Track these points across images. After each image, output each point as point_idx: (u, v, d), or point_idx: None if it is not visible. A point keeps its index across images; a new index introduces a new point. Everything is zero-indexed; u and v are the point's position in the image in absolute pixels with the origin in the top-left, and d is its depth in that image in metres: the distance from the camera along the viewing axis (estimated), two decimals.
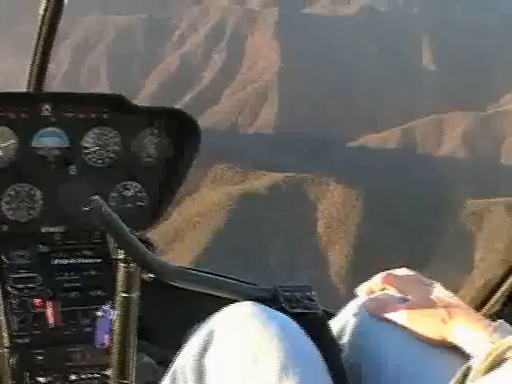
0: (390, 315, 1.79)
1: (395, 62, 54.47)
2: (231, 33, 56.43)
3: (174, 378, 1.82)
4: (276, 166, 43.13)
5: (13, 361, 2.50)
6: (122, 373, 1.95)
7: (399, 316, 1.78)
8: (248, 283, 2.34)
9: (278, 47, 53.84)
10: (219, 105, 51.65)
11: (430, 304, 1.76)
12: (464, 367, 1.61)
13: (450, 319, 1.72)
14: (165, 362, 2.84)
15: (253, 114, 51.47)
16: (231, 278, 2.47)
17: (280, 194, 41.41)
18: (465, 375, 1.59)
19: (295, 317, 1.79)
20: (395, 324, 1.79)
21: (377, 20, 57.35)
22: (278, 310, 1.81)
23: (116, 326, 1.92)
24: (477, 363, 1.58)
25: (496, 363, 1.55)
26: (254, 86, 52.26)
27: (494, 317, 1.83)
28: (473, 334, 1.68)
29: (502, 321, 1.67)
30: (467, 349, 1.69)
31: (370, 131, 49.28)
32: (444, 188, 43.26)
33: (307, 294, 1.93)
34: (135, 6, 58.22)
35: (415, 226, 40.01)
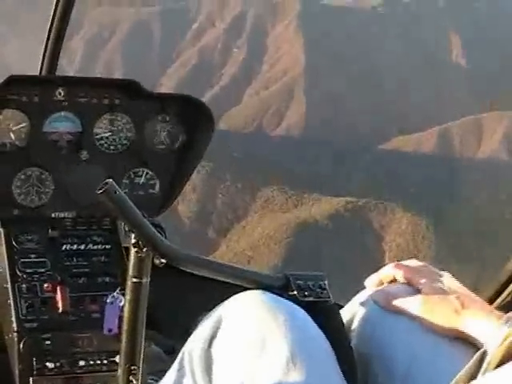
0: (400, 306, 1.77)
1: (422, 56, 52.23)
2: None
3: (181, 366, 1.81)
4: (313, 175, 39.60)
5: (21, 345, 2.49)
6: (131, 359, 1.94)
7: (410, 307, 1.75)
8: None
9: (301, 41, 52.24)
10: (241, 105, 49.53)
11: (442, 294, 1.74)
12: (479, 352, 1.58)
13: (462, 310, 1.70)
14: (173, 352, 2.83)
15: (278, 115, 50.01)
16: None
17: (342, 223, 36.55)
18: (480, 360, 1.57)
19: (306, 305, 1.77)
20: (405, 315, 1.76)
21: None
22: (289, 298, 1.79)
23: (126, 312, 1.91)
24: (492, 348, 1.55)
25: None
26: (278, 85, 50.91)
27: (505, 309, 1.79)
28: (486, 324, 1.66)
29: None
30: (480, 339, 1.66)
31: (401, 133, 45.49)
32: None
33: (319, 283, 1.92)
34: None
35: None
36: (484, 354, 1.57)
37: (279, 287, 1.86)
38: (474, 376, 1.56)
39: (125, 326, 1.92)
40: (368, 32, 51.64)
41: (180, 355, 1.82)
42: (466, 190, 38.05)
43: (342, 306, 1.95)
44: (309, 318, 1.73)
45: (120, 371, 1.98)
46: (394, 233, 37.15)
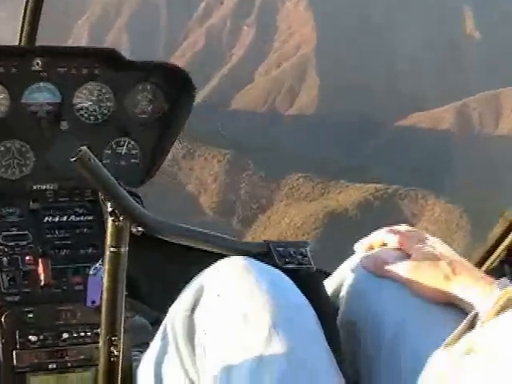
0: (389, 271, 1.75)
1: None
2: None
3: (164, 335, 1.80)
4: (325, 158, 37.89)
5: (3, 319, 2.47)
6: (112, 329, 1.93)
7: (400, 272, 1.74)
8: None
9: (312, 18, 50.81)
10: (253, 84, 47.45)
11: (433, 260, 1.72)
12: (471, 314, 1.58)
13: (453, 276, 1.68)
14: (158, 323, 2.82)
15: (291, 94, 48.02)
16: None
17: (371, 212, 34.43)
18: (472, 322, 1.56)
19: (288, 272, 1.75)
20: (395, 280, 1.74)
21: None
22: (270, 265, 1.77)
23: (105, 282, 1.90)
24: (485, 309, 1.55)
25: (506, 307, 1.53)
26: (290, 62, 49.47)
27: (493, 274, 1.77)
28: (476, 290, 1.64)
29: (504, 278, 1.63)
30: (470, 305, 1.64)
31: (418, 110, 44.01)
32: None
33: (300, 249, 1.90)
34: None
35: None
36: (476, 315, 1.57)
37: (260, 254, 1.85)
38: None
39: (104, 297, 1.92)
40: (379, 8, 50.48)
41: (163, 324, 1.82)
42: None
43: (328, 273, 1.93)
44: (293, 285, 1.71)
45: (101, 342, 1.98)
46: (426, 221, 35.83)
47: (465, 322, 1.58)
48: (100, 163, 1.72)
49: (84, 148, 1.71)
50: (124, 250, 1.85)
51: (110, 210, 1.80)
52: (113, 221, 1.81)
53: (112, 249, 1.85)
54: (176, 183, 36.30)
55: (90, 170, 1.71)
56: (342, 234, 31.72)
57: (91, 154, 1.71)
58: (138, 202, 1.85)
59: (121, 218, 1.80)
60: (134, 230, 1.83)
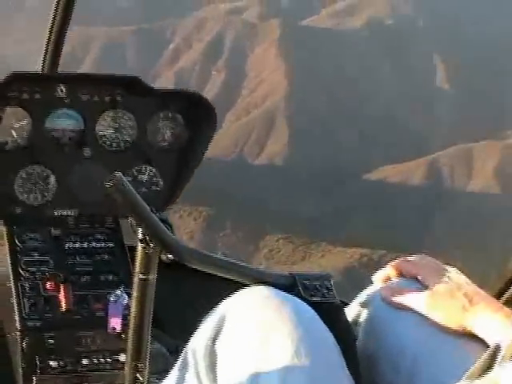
0: (407, 302, 1.75)
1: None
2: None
3: (185, 364, 1.79)
4: (296, 213, 35.97)
5: (24, 344, 2.48)
6: (137, 356, 1.93)
7: (417, 303, 1.74)
8: None
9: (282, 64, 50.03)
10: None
11: (450, 291, 1.72)
12: (492, 347, 1.57)
13: (470, 307, 1.68)
14: (176, 351, 2.82)
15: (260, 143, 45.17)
16: None
17: (358, 280, 31.78)
18: (493, 355, 1.55)
19: (312, 305, 1.75)
20: (412, 311, 1.75)
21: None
22: (295, 296, 1.77)
23: (132, 308, 1.89)
24: (506, 343, 1.54)
25: None
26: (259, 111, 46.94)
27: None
28: (495, 322, 1.64)
29: None
30: (489, 337, 1.65)
31: (389, 163, 42.25)
32: None
33: (325, 283, 1.90)
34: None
35: None
36: (497, 348, 1.56)
37: (285, 286, 1.84)
38: (488, 369, 1.54)
39: (131, 323, 1.91)
40: (352, 55, 49.77)
41: (184, 353, 1.80)
42: None
43: (346, 304, 1.94)
44: (315, 315, 1.71)
45: (126, 369, 1.97)
46: None
47: (486, 354, 1.57)
48: (133, 189, 1.73)
49: (119, 173, 1.71)
50: (153, 277, 1.85)
51: (140, 236, 1.79)
52: (143, 248, 1.81)
53: (141, 276, 1.84)
54: None
55: (124, 195, 1.71)
56: None
57: (125, 179, 1.71)
58: (168, 228, 1.84)
59: (151, 245, 1.80)
60: (163, 257, 1.83)
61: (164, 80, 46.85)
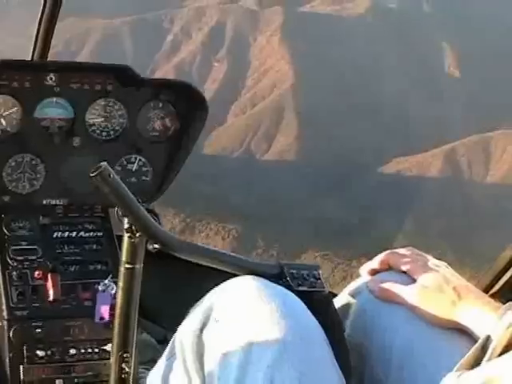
0: (395, 296, 1.75)
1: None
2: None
3: (172, 353, 1.79)
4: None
5: (11, 333, 2.47)
6: (123, 346, 1.93)
7: (405, 297, 1.74)
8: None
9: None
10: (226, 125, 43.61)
11: (438, 285, 1.72)
12: (482, 339, 1.57)
13: (459, 301, 1.69)
14: (164, 341, 2.82)
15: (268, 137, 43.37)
16: None
17: None
18: (483, 347, 1.56)
19: (300, 295, 1.74)
20: (400, 305, 1.75)
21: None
22: (283, 286, 1.76)
23: (119, 298, 1.89)
24: (496, 335, 1.54)
25: None
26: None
27: (501, 298, 1.78)
28: (484, 315, 1.65)
29: (511, 302, 1.63)
30: (477, 330, 1.65)
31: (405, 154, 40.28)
32: None
33: (313, 272, 1.90)
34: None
35: None
36: (487, 340, 1.56)
37: (273, 275, 1.84)
38: (477, 361, 1.55)
39: (117, 313, 1.90)
40: (355, 40, 48.85)
41: (171, 343, 1.81)
42: None
43: (335, 295, 1.94)
44: (303, 305, 1.71)
45: (112, 359, 1.97)
46: None
47: (476, 345, 1.57)
48: (119, 179, 1.72)
49: (104, 163, 1.70)
50: (139, 266, 1.85)
51: (126, 226, 1.79)
52: (129, 237, 1.81)
53: (127, 265, 1.84)
54: None
55: (110, 185, 1.71)
56: None
57: (111, 169, 1.71)
58: (155, 219, 1.84)
59: (137, 235, 1.79)
60: (149, 247, 1.82)
61: (164, 74, 46.13)
